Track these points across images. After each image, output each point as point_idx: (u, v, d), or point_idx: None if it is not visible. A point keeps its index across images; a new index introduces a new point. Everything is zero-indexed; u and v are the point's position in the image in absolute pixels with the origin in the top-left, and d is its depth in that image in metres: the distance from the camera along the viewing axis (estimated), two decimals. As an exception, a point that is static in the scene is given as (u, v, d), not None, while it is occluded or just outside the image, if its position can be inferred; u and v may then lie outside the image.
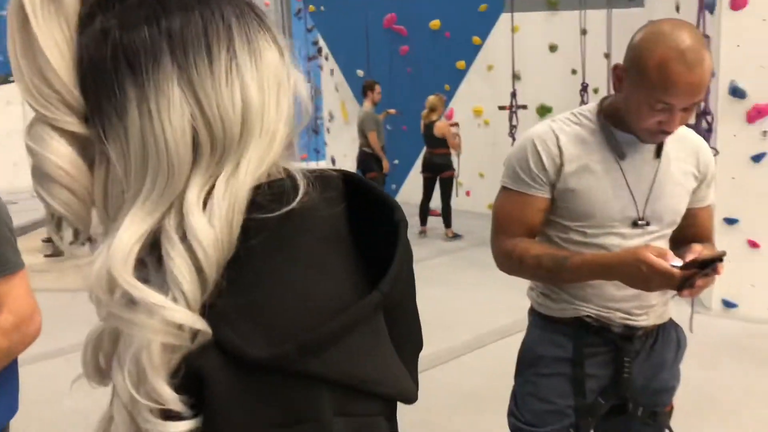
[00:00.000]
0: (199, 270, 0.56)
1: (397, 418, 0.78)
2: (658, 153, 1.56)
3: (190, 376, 0.56)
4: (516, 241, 1.58)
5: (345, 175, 0.67)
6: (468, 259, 6.31)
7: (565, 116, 1.62)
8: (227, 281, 0.57)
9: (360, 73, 9.12)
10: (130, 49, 0.57)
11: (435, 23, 8.42)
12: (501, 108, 7.05)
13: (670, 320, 1.71)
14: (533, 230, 1.60)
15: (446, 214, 7.17)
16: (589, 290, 1.58)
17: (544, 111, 7.35)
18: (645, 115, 1.43)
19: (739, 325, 4.23)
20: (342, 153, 10.54)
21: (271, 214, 0.58)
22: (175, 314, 0.55)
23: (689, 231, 1.66)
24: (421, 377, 2.72)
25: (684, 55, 1.36)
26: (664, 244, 1.61)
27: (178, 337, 0.55)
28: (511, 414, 1.71)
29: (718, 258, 1.34)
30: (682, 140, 1.61)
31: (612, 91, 1.57)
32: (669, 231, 1.61)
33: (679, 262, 1.36)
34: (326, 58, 10.50)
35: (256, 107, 0.59)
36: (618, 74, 1.50)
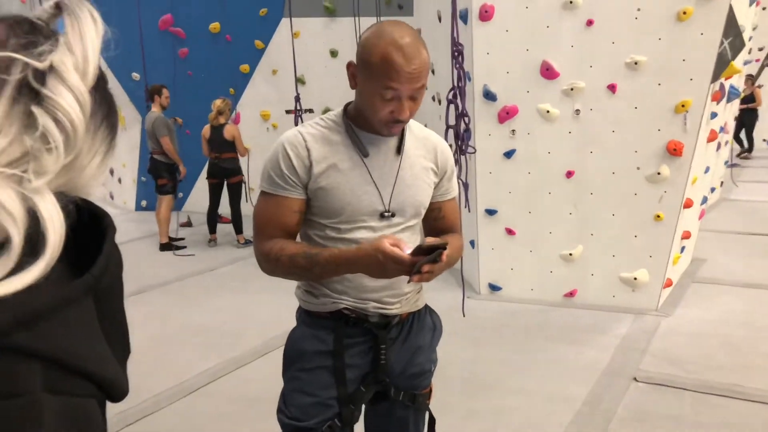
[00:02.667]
0: None
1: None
2: (399, 150, 1.68)
3: None
4: (273, 242, 1.62)
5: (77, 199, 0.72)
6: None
7: (314, 121, 1.70)
8: None
9: (135, 76, 8.58)
10: None
11: (215, 26, 8.20)
12: (288, 112, 7.08)
13: (426, 307, 1.84)
14: (290, 231, 1.65)
15: (237, 220, 7.03)
16: (346, 283, 1.66)
17: (328, 114, 7.50)
18: (378, 105, 1.55)
19: (503, 305, 4.69)
20: (120, 162, 9.83)
21: None
22: None
23: (439, 223, 1.82)
24: (205, 390, 2.64)
25: (402, 48, 1.50)
26: (411, 235, 1.73)
27: None
28: (279, 411, 1.74)
29: (441, 246, 1.45)
30: (422, 140, 1.75)
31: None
32: (414, 222, 1.74)
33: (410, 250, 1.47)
34: (99, 60, 9.71)
35: None
36: (352, 71, 1.60)
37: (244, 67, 8.28)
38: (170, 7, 8.29)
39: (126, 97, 9.09)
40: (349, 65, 1.60)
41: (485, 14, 4.51)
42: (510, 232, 4.73)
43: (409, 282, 1.51)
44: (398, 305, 1.72)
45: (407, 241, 1.71)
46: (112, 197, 10.59)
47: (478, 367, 3.70)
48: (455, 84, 3.95)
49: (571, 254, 4.57)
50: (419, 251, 1.45)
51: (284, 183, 1.61)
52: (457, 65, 3.90)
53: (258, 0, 7.93)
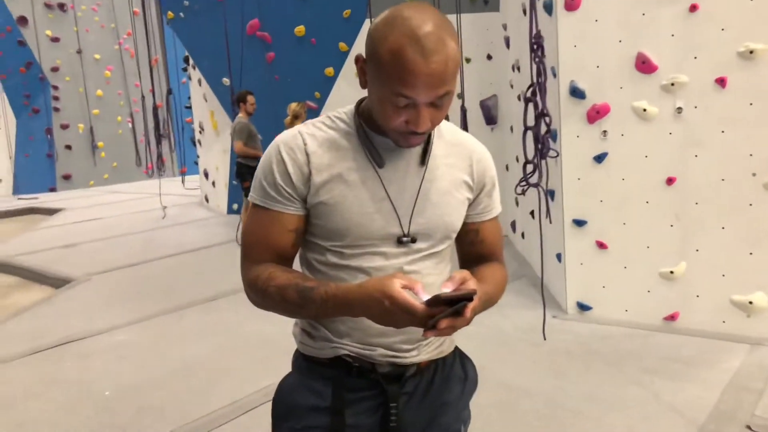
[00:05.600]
0: None
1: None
2: (424, 159, 1.35)
3: None
4: (262, 267, 1.32)
5: None
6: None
7: (320, 119, 1.38)
8: None
9: (226, 81, 8.69)
10: None
11: (300, 29, 8.14)
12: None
13: (455, 352, 1.50)
14: (284, 254, 1.35)
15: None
16: (349, 324, 1.34)
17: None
18: (389, 113, 1.22)
19: (592, 327, 4.19)
20: (214, 165, 10.03)
21: None
22: None
23: (476, 248, 1.48)
24: (259, 410, 2.33)
25: (420, 41, 1.15)
26: (436, 264, 1.40)
27: None
28: None
29: (467, 297, 1.12)
30: (455, 145, 1.41)
31: None
32: (442, 248, 1.40)
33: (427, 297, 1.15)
34: (194, 67, 9.98)
35: None
36: (360, 66, 1.27)
37: (329, 71, 8.17)
38: (257, 12, 8.33)
39: (217, 102, 9.27)
40: (358, 59, 1.27)
41: (571, 3, 4.04)
42: (601, 245, 4.23)
43: (423, 336, 1.18)
44: (415, 352, 1.38)
45: (432, 271, 1.37)
46: (207, 200, 10.86)
47: (559, 400, 3.27)
48: (534, 80, 3.54)
49: (672, 272, 4.01)
50: (438, 301, 1.12)
51: (278, 195, 1.31)
52: (536, 59, 3.49)
53: (341, 1, 7.79)
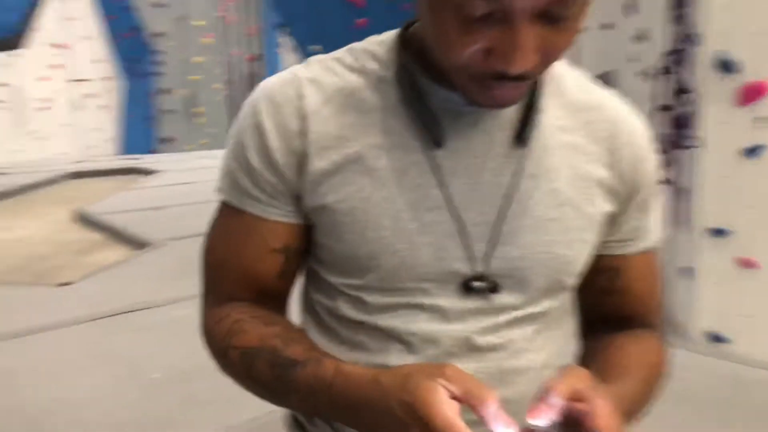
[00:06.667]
0: None
1: None
2: (522, 134, 0.71)
3: None
4: (226, 311, 0.76)
5: None
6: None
7: (335, 55, 0.78)
8: None
9: (315, 49, 8.23)
10: None
11: (396, -8, 7.49)
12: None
13: None
14: (268, 289, 0.78)
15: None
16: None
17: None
18: (454, 34, 0.62)
19: (730, 368, 3.32)
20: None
21: None
22: None
23: (612, 302, 0.84)
24: None
25: None
26: (536, 335, 0.77)
27: None
28: None
29: None
30: (585, 110, 0.75)
31: None
32: (549, 305, 0.76)
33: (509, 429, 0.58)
34: (288, 35, 9.63)
35: None
36: None
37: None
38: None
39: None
40: None
41: (728, -53, 3.12)
42: (747, 263, 3.34)
43: None
44: None
45: (529, 347, 0.76)
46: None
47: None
48: (674, 46, 2.70)
49: None
50: None
51: (254, 187, 0.75)
52: (677, 17, 2.64)
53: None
